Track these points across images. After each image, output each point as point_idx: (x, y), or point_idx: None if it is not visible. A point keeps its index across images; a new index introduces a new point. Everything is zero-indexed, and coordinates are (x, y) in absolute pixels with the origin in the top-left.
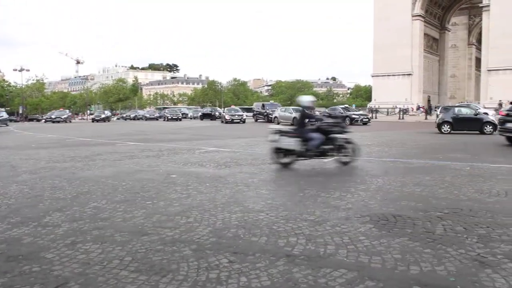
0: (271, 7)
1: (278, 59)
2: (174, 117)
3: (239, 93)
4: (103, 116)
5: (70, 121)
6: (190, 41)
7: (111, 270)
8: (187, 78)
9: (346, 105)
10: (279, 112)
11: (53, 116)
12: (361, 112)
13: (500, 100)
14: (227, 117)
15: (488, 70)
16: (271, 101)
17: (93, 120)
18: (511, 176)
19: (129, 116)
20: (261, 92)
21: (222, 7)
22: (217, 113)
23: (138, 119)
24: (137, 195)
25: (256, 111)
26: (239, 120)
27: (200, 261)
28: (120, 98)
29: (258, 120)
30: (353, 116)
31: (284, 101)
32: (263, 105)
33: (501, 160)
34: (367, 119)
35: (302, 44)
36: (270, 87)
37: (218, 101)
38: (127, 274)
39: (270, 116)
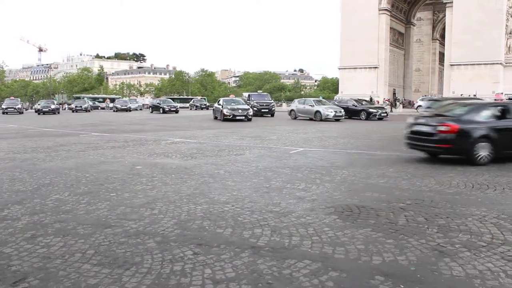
0: None
1: (246, 50)
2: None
3: (207, 84)
4: (53, 106)
5: (22, 112)
6: (157, 31)
7: (72, 263)
8: (154, 68)
9: (359, 98)
10: (296, 104)
11: (4, 106)
12: (376, 105)
13: (462, 94)
14: (225, 112)
15: (451, 65)
16: (259, 91)
17: (38, 112)
18: (470, 168)
19: (80, 106)
20: (229, 83)
21: None
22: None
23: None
24: (101, 186)
25: None
26: (243, 117)
27: (164, 253)
28: (85, 87)
29: None
30: (370, 110)
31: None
32: (249, 96)
33: None
34: (385, 114)
35: (270, 35)
36: (238, 78)
37: (186, 91)
38: (89, 268)
39: (255, 108)
